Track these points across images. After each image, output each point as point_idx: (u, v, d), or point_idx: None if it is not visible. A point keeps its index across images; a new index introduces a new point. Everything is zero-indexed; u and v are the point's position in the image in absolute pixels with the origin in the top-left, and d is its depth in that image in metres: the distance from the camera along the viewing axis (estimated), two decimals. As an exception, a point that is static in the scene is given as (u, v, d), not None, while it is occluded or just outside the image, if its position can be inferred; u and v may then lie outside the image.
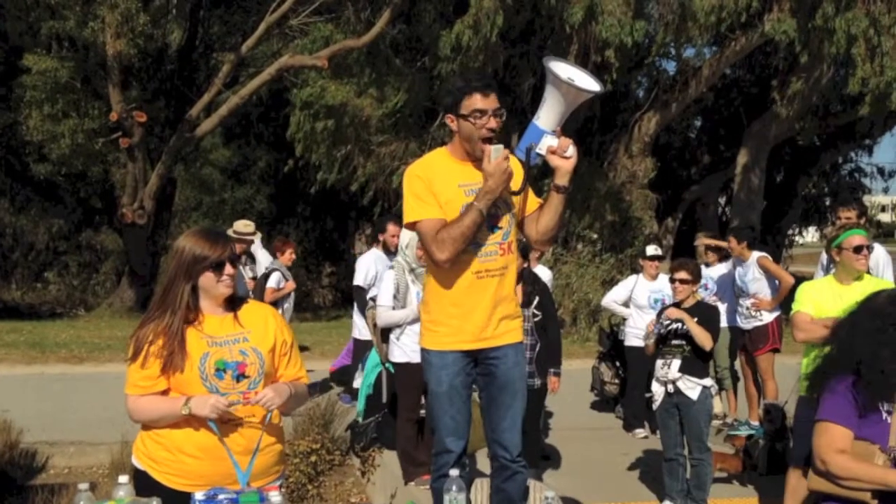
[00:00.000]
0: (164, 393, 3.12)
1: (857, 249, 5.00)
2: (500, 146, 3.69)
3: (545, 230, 3.89)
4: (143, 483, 3.09)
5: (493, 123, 3.74)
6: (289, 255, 9.24)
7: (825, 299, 5.02)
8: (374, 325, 6.71)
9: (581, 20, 14.62)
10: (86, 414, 9.22)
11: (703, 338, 5.66)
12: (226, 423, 3.07)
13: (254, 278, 9.34)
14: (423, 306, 4.03)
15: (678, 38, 16.22)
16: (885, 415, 3.18)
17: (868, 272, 6.43)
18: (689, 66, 18.42)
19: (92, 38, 17.56)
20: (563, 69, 3.71)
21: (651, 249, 8.60)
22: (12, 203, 25.26)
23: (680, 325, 5.75)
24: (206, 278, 3.11)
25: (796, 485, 5.16)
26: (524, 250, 6.36)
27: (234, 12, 23.45)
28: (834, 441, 3.19)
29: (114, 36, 17.23)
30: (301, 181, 21.14)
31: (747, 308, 8.07)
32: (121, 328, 16.60)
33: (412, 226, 3.86)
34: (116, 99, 18.03)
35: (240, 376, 3.09)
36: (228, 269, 3.12)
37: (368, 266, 8.51)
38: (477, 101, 3.73)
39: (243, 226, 9.50)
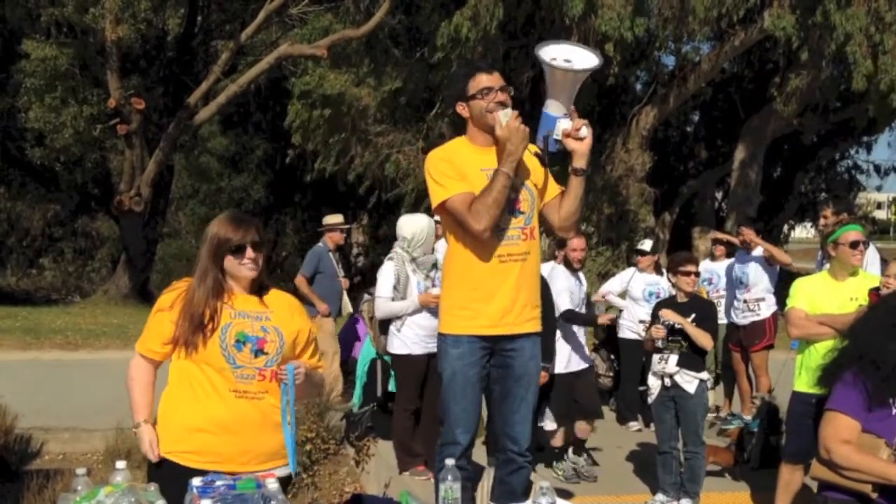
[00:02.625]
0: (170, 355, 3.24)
1: (854, 245, 5.01)
2: (508, 109, 3.73)
3: (567, 215, 3.89)
4: (159, 462, 3.17)
5: (500, 97, 3.79)
6: None
7: (820, 295, 5.03)
8: (371, 317, 6.71)
9: (581, 13, 14.60)
10: (81, 400, 9.24)
11: (703, 340, 5.66)
12: (240, 397, 3.13)
13: (345, 276, 8.98)
14: (443, 291, 4.01)
15: (677, 32, 16.21)
16: (894, 410, 3.22)
17: None
18: (688, 60, 18.42)
19: (93, 23, 17.51)
20: (559, 51, 3.72)
21: (639, 244, 8.71)
22: (8, 188, 25.22)
23: (664, 329, 5.76)
24: (229, 261, 3.19)
25: (789, 479, 5.19)
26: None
27: (234, 0, 23.40)
28: (839, 431, 3.23)
29: (113, 22, 17.18)
30: (299, 170, 21.15)
31: (745, 302, 8.07)
32: (116, 315, 16.60)
33: (441, 207, 3.82)
34: (115, 86, 18.00)
35: (258, 351, 3.15)
36: (249, 252, 3.17)
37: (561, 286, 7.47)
38: (483, 80, 3.81)
39: (331, 218, 9.12)
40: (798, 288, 5.13)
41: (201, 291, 3.16)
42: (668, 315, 5.76)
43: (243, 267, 3.19)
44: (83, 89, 18.72)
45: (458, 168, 3.79)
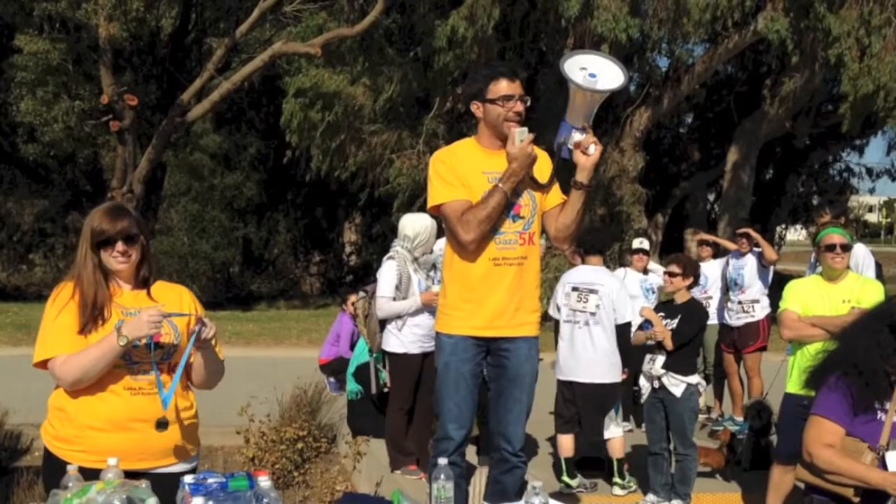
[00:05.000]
0: None
1: (830, 248, 5.04)
2: (525, 129, 3.76)
3: (562, 226, 3.90)
4: (52, 463, 3.09)
5: (519, 107, 3.81)
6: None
7: (812, 297, 5.05)
8: (367, 316, 6.68)
9: (576, 14, 14.61)
10: (72, 397, 9.18)
11: (663, 336, 5.70)
12: (136, 394, 3.07)
13: None
14: (440, 291, 4.07)
15: (672, 34, 16.25)
16: (879, 414, 3.23)
17: (848, 268, 6.50)
18: (682, 62, 18.46)
19: (86, 19, 17.44)
20: (588, 62, 3.73)
21: (636, 243, 8.65)
22: (-1, 184, 25.14)
23: (668, 320, 5.78)
24: (103, 253, 3.14)
25: (780, 481, 5.20)
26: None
27: (228, -3, 23.32)
28: (822, 435, 3.25)
29: (107, 19, 17.11)
30: (292, 169, 21.09)
31: (739, 303, 8.07)
32: (107, 312, 16.53)
33: (437, 209, 3.89)
34: (108, 82, 17.93)
35: (154, 345, 3.09)
36: (119, 246, 3.12)
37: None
38: (504, 86, 3.80)
39: None
40: (790, 290, 5.15)
41: (86, 282, 3.10)
42: (646, 313, 5.83)
43: (114, 260, 3.14)
44: (75, 85, 18.64)
45: (459, 172, 3.83)
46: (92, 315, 3.07)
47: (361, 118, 17.65)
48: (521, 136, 3.73)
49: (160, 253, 24.63)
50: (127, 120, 18.26)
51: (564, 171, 3.93)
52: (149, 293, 3.20)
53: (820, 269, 5.31)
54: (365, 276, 19.86)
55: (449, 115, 17.88)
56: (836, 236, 5.07)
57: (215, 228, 24.92)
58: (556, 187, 3.97)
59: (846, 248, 5.10)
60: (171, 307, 3.16)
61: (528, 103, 3.89)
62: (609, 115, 19.74)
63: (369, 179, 18.30)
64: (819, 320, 4.87)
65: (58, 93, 18.18)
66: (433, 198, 3.88)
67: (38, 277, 24.89)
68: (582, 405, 6.16)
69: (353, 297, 9.03)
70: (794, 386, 5.03)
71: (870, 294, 4.98)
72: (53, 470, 3.00)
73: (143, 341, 3.04)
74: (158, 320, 2.97)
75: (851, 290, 5.03)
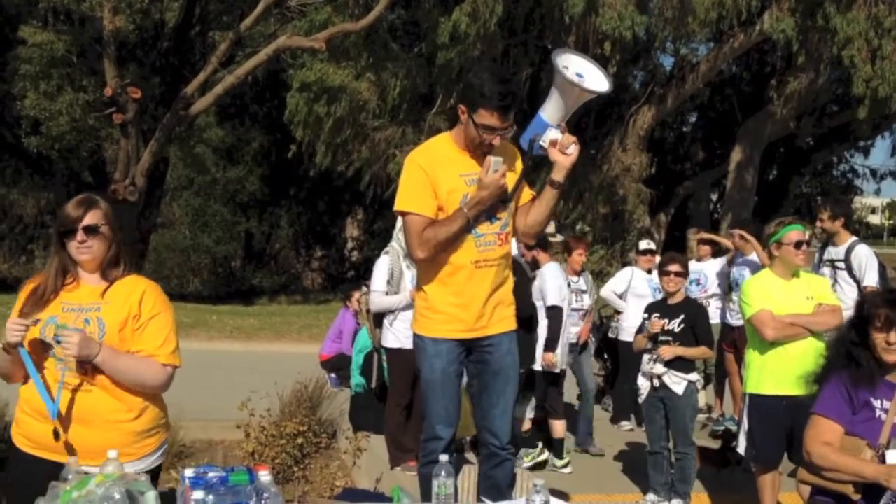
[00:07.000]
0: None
1: (798, 245, 5.00)
2: (500, 159, 3.71)
3: (533, 223, 3.91)
4: (10, 445, 3.20)
5: (497, 140, 3.74)
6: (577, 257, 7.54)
7: (778, 295, 4.98)
8: (368, 311, 6.72)
9: (581, 12, 14.60)
10: (72, 389, 9.19)
11: (699, 354, 5.83)
12: (65, 388, 3.05)
13: None
14: (418, 292, 4.01)
15: (677, 33, 16.23)
16: (879, 413, 3.25)
17: (851, 269, 6.47)
18: (687, 61, 18.45)
19: (90, 11, 17.43)
20: (574, 62, 3.72)
21: (643, 244, 8.66)
22: (2, 175, 25.11)
23: (666, 321, 5.75)
24: (69, 243, 3.11)
25: (772, 480, 5.11)
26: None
27: (233, -9, 23.28)
28: (820, 433, 3.28)
29: (112, 11, 17.09)
30: (294, 163, 21.09)
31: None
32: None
33: (401, 213, 3.86)
34: (111, 74, 17.90)
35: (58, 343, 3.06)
36: (79, 235, 3.08)
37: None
38: (493, 118, 3.68)
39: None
40: (756, 290, 5.07)
41: (47, 274, 3.14)
42: (666, 353, 5.71)
43: (77, 251, 3.11)
44: (79, 77, 18.62)
45: (434, 177, 3.78)
46: (33, 306, 3.10)
47: (366, 113, 17.65)
48: (495, 166, 3.68)
49: (162, 246, 24.65)
50: (130, 113, 18.22)
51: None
52: (107, 289, 3.13)
53: (770, 265, 5.24)
54: (366, 272, 19.85)
55: (452, 111, 17.88)
56: (799, 233, 5.03)
57: (217, 222, 24.94)
58: (524, 183, 3.96)
59: (809, 245, 5.10)
60: (114, 305, 3.11)
61: (510, 135, 3.79)
62: (613, 113, 19.74)
63: (373, 175, 18.30)
64: (798, 319, 4.85)
65: (62, 85, 18.16)
66: (400, 202, 3.83)
67: (39, 269, 24.90)
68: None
69: (356, 294, 9.06)
70: (767, 387, 4.94)
71: (825, 289, 5.11)
72: (8, 444, 3.13)
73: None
74: (18, 329, 2.98)
75: (810, 286, 5.05)
